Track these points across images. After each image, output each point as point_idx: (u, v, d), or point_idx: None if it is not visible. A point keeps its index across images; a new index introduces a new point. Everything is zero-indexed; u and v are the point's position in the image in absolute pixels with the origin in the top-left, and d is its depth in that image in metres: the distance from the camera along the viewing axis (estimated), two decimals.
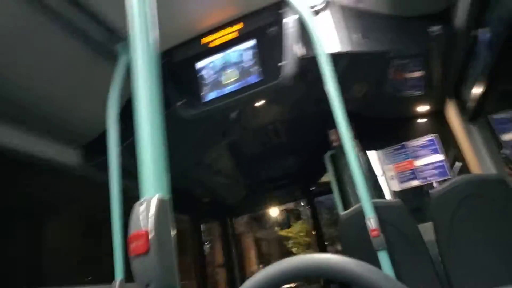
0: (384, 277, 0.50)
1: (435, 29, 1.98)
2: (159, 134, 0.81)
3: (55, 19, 1.85)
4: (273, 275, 0.56)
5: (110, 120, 2.04)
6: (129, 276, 1.80)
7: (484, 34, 1.88)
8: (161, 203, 0.72)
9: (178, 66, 2.40)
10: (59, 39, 1.97)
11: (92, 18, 1.96)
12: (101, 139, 2.64)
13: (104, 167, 2.03)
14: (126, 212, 1.70)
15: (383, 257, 1.56)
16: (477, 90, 2.26)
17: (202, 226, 4.92)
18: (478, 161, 2.75)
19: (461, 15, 1.81)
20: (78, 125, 2.63)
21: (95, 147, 2.74)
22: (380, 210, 1.65)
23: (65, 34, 1.96)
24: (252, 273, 0.60)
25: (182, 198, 4.07)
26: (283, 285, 0.56)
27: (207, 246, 4.62)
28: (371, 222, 1.61)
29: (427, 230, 1.82)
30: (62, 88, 2.30)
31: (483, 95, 2.25)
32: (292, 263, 0.56)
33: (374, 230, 1.59)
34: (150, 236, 0.67)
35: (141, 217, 0.70)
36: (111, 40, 2.10)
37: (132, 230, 0.70)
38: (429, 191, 3.19)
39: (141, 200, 0.73)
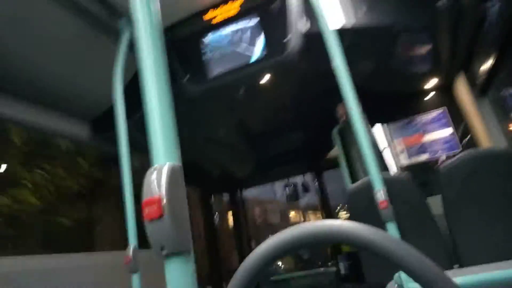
0: (394, 242, 0.51)
1: (442, 2, 1.93)
2: (167, 104, 0.83)
3: None
4: (283, 242, 0.56)
5: (116, 94, 2.08)
6: (141, 242, 1.90)
7: (493, 6, 1.83)
8: (172, 170, 0.74)
9: (181, 42, 2.40)
10: (62, 17, 1.99)
11: None
12: (108, 114, 2.70)
13: (113, 141, 2.08)
14: (136, 183, 1.76)
15: (392, 229, 1.57)
16: (487, 64, 2.23)
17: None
18: (487, 135, 2.73)
19: None
20: (86, 101, 2.68)
21: (103, 121, 2.79)
22: (389, 183, 1.64)
23: (68, 12, 1.97)
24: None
25: (192, 171, 4.14)
26: (293, 252, 0.57)
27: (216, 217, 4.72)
28: (380, 194, 1.60)
29: (435, 203, 1.83)
30: (68, 65, 2.33)
31: (493, 68, 2.21)
32: (304, 230, 0.56)
33: (382, 202, 1.58)
34: (163, 202, 0.69)
35: (153, 184, 0.72)
36: (113, 16, 2.10)
37: (145, 197, 0.72)
38: (438, 166, 3.20)
39: (153, 167, 0.75)
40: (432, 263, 0.47)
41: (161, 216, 0.69)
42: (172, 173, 0.73)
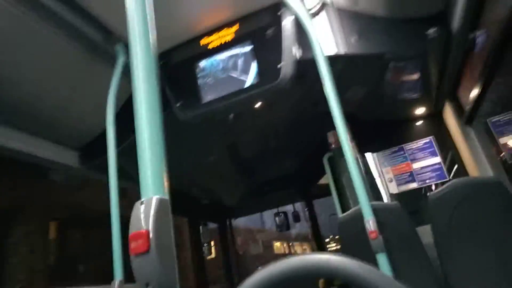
0: (383, 278, 0.50)
1: (432, 31, 1.99)
2: (159, 135, 0.82)
3: (51, 20, 1.86)
4: (270, 276, 0.55)
5: (108, 121, 2.05)
6: (128, 276, 1.82)
7: (480, 36, 1.89)
8: (160, 203, 0.73)
9: (175, 67, 2.40)
10: (56, 40, 1.98)
11: (90, 19, 1.97)
12: (98, 141, 2.66)
13: (101, 169, 2.04)
14: (125, 213, 1.71)
15: (382, 259, 1.56)
16: (473, 93, 2.28)
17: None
18: (475, 164, 2.76)
19: (457, 17, 1.83)
20: (75, 127, 2.64)
21: (93, 149, 2.75)
22: (379, 212, 1.64)
23: (62, 35, 1.97)
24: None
25: (181, 200, 4.07)
26: (280, 286, 0.56)
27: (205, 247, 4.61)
28: (370, 224, 1.59)
29: (425, 232, 1.82)
30: (59, 91, 2.30)
31: (480, 97, 2.26)
32: (291, 263, 0.56)
33: (372, 232, 1.58)
34: (151, 236, 0.68)
35: (141, 217, 0.71)
36: (109, 41, 2.10)
37: (133, 230, 0.71)
38: (427, 194, 3.21)
39: (141, 200, 0.74)
40: None
41: (147, 250, 0.68)
42: (160, 206, 0.73)
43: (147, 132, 0.81)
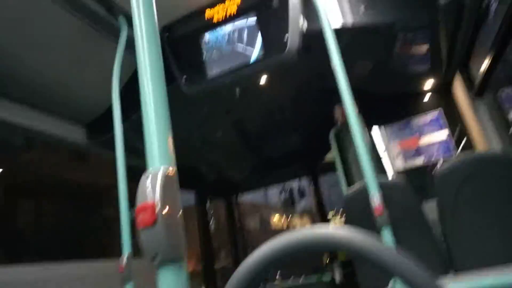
0: (388, 250, 0.50)
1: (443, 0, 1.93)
2: (164, 107, 0.81)
3: None
4: (277, 248, 0.55)
5: (114, 95, 2.04)
6: (137, 250, 1.85)
7: (493, 4, 1.83)
8: (167, 175, 0.72)
9: (180, 40, 2.37)
10: (59, 15, 1.95)
11: None
12: (105, 116, 2.66)
13: (108, 144, 2.04)
14: (133, 188, 1.72)
15: (387, 235, 1.55)
16: (485, 64, 2.22)
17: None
18: (483, 138, 2.73)
19: None
20: (82, 103, 2.65)
21: (99, 125, 2.75)
22: (384, 188, 1.62)
23: (64, 7, 1.93)
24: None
25: (188, 175, 4.11)
26: (287, 259, 0.56)
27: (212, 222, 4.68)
28: (375, 199, 1.58)
29: (430, 208, 1.82)
30: (64, 66, 2.30)
31: (491, 69, 2.21)
32: (296, 237, 0.55)
33: (378, 207, 1.56)
34: (157, 208, 0.68)
35: (147, 190, 0.70)
36: (112, 13, 2.06)
37: (139, 203, 0.70)
38: (434, 169, 3.20)
39: (147, 172, 0.74)
40: (425, 270, 0.47)
41: (154, 222, 0.67)
42: (166, 178, 0.72)
43: (152, 105, 0.80)
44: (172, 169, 0.75)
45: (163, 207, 0.68)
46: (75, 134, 2.78)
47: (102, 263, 2.63)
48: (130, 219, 1.87)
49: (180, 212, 0.73)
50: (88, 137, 2.82)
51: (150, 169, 0.74)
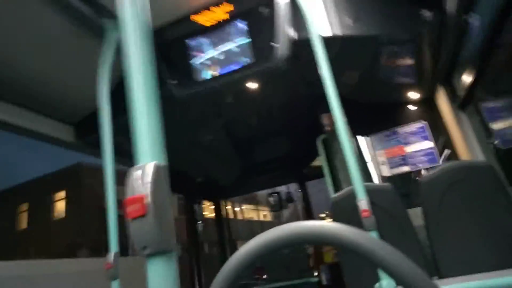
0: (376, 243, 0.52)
1: (427, 14, 1.99)
2: (155, 103, 0.83)
3: None
4: (266, 241, 0.56)
5: (101, 97, 2.05)
6: (123, 249, 1.86)
7: (474, 20, 1.89)
8: (157, 169, 0.73)
9: (169, 45, 2.40)
10: (47, 14, 1.96)
11: None
12: (94, 116, 2.67)
13: (96, 144, 2.05)
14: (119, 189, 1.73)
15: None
16: (467, 77, 2.29)
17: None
18: (467, 148, 2.80)
19: (452, 0, 1.83)
20: (70, 103, 2.64)
21: (88, 124, 2.75)
22: (371, 193, 1.68)
23: (53, 10, 1.94)
24: None
25: (176, 178, 4.10)
26: (276, 251, 0.57)
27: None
28: (362, 203, 1.64)
29: (416, 215, 1.87)
30: (53, 66, 2.30)
31: (473, 82, 2.27)
32: (286, 230, 0.56)
33: (365, 210, 1.62)
34: (147, 200, 0.69)
35: (137, 182, 0.71)
36: (100, 15, 2.07)
37: (129, 195, 0.71)
38: (417, 178, 3.25)
39: (137, 166, 0.75)
40: (415, 266, 0.49)
41: (144, 214, 0.68)
42: (157, 171, 0.73)
43: (143, 101, 0.81)
44: (162, 163, 0.76)
45: (153, 200, 0.69)
46: (63, 133, 2.77)
47: (89, 261, 2.63)
48: (116, 218, 1.89)
49: (170, 205, 0.74)
50: (77, 136, 2.82)
51: (141, 163, 0.75)
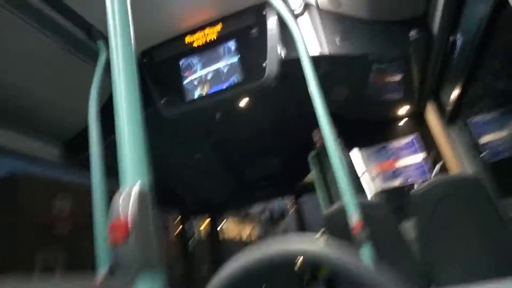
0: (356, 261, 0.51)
1: (413, 33, 2.05)
2: (138, 126, 0.82)
3: (31, 14, 1.85)
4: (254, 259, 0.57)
5: (91, 116, 2.04)
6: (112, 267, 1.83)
7: (460, 38, 1.95)
8: (141, 192, 0.73)
9: (159, 65, 2.41)
10: (38, 36, 1.97)
11: (70, 14, 1.96)
12: (82, 136, 2.65)
13: (86, 164, 2.03)
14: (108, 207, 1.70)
15: (365, 253, 1.59)
16: (454, 93, 2.34)
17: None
18: (456, 161, 2.84)
19: (437, 20, 1.88)
20: (58, 122, 2.62)
21: (76, 145, 2.73)
22: (363, 207, 1.68)
23: (44, 31, 1.96)
24: None
25: (170, 195, 4.07)
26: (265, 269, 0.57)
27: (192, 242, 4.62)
28: (354, 219, 1.63)
29: (408, 227, 1.89)
30: (42, 85, 2.29)
31: (461, 98, 2.32)
32: (270, 249, 0.56)
33: (356, 227, 1.61)
34: (130, 225, 0.68)
35: (120, 206, 0.70)
36: (90, 37, 2.09)
37: (112, 220, 0.70)
38: (410, 191, 3.28)
39: (121, 189, 0.74)
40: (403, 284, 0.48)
41: (126, 240, 0.68)
42: (140, 195, 0.73)
43: (127, 123, 0.81)
44: (145, 186, 0.75)
45: (135, 225, 0.69)
46: (50, 153, 2.74)
47: (80, 279, 2.57)
48: (105, 235, 1.86)
49: (154, 229, 0.73)
50: (64, 157, 2.80)
51: (123, 186, 0.75)
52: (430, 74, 2.49)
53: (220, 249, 5.31)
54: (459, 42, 1.98)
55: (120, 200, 0.72)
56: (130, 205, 0.70)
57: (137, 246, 0.68)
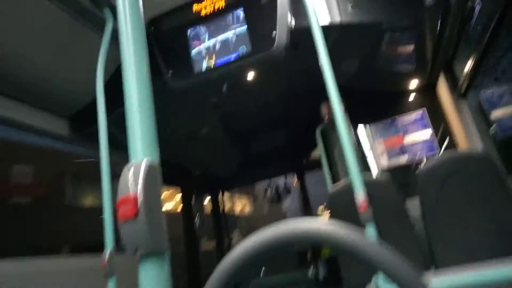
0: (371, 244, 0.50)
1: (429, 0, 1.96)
2: (148, 100, 0.80)
3: None
4: (262, 242, 0.54)
5: (98, 88, 2.00)
6: (119, 246, 1.82)
7: (477, 6, 1.86)
8: (149, 167, 0.71)
9: (167, 34, 2.35)
10: (43, 5, 1.90)
11: None
12: (89, 109, 2.61)
13: (92, 137, 2.01)
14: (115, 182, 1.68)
15: (370, 231, 1.58)
16: (469, 65, 2.27)
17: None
18: (466, 137, 2.79)
19: None
20: (65, 95, 2.58)
21: (83, 118, 2.70)
22: (369, 185, 1.64)
23: (49, 0, 1.89)
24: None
25: (173, 171, 4.08)
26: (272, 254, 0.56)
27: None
28: (360, 196, 1.59)
29: (413, 206, 1.85)
30: (47, 56, 2.24)
31: (475, 70, 2.25)
32: (282, 230, 0.54)
33: (362, 204, 1.57)
34: (139, 201, 0.67)
35: (129, 182, 0.69)
36: (97, 6, 2.03)
37: (120, 195, 0.69)
38: (417, 167, 3.25)
39: (129, 164, 0.72)
40: (409, 265, 0.47)
41: (136, 216, 0.66)
42: (149, 170, 0.70)
43: (136, 97, 0.79)
44: (155, 161, 0.73)
45: (144, 200, 0.67)
46: (58, 126, 2.72)
47: (86, 258, 2.60)
48: (113, 214, 1.84)
49: (162, 205, 0.72)
50: (72, 130, 2.77)
51: (133, 161, 0.73)
52: (444, 44, 2.40)
53: (225, 225, 5.35)
54: (477, 9, 1.89)
55: (129, 175, 0.70)
56: (140, 180, 0.68)
57: (146, 223, 0.66)
